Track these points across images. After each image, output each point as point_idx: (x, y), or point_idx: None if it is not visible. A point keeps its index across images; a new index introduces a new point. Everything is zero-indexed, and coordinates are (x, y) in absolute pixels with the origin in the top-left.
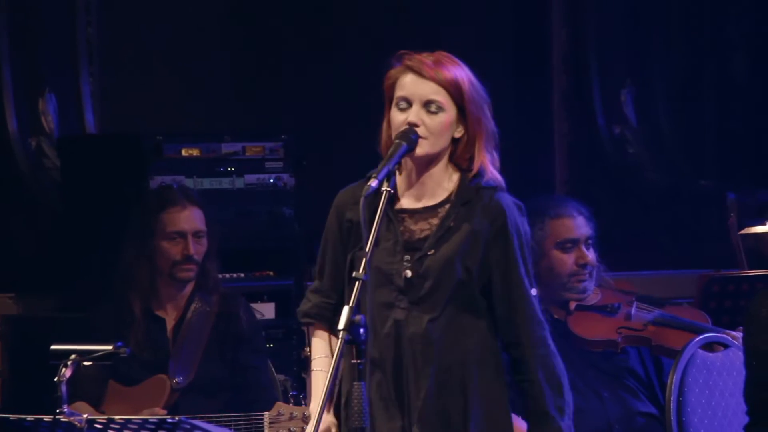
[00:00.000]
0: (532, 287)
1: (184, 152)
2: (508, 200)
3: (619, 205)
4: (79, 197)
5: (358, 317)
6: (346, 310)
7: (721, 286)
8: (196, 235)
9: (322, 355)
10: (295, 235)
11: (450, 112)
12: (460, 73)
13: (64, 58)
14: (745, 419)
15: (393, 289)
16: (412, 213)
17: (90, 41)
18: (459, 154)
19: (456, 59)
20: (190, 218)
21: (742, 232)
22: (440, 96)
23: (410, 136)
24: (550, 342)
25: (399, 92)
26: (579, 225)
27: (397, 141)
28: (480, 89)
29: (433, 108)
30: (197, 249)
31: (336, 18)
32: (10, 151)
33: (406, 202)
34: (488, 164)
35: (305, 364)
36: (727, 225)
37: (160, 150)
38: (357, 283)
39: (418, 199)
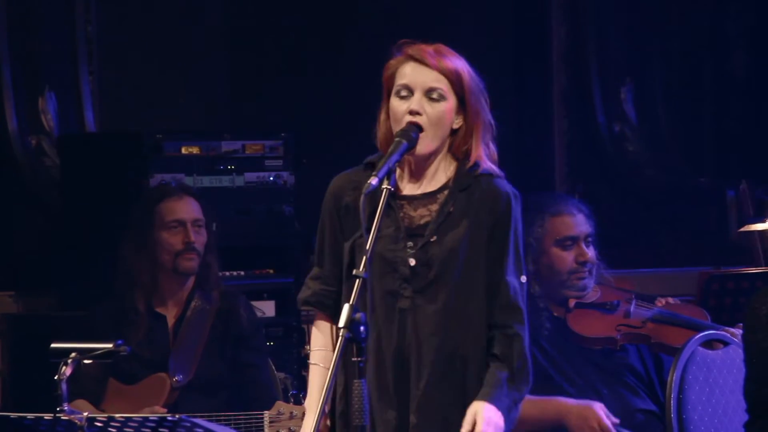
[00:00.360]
0: (521, 275)
1: (184, 150)
2: (506, 187)
3: (618, 202)
4: (80, 195)
5: (358, 315)
6: (346, 308)
7: (720, 283)
8: (195, 223)
9: (320, 347)
10: (295, 233)
11: (450, 101)
12: (460, 63)
13: (63, 56)
14: (746, 417)
15: (397, 278)
16: (411, 199)
17: (90, 39)
18: (456, 146)
19: (455, 52)
20: (187, 207)
21: (743, 229)
22: (442, 84)
23: (411, 134)
24: (524, 329)
25: (400, 80)
26: (579, 222)
27: (397, 139)
28: (478, 82)
29: (434, 95)
30: (197, 238)
31: (336, 16)
32: (10, 149)
33: (404, 189)
34: (484, 156)
35: (305, 362)
36: (739, 193)
37: (160, 148)
38: (357, 280)
39: (417, 186)
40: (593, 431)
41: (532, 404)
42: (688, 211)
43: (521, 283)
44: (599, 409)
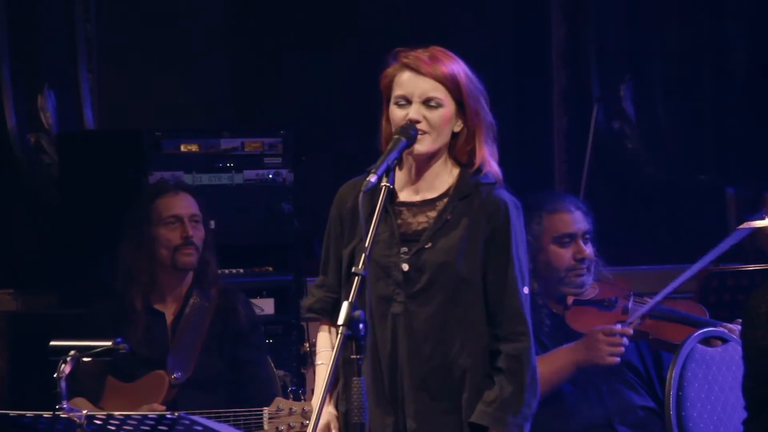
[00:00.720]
0: (524, 285)
1: (182, 148)
2: (506, 197)
3: (617, 199)
4: (78, 193)
5: (357, 313)
6: (345, 305)
7: (720, 280)
8: (192, 218)
9: (326, 348)
10: (294, 231)
11: (449, 107)
12: (456, 67)
13: (62, 54)
14: (745, 414)
15: (390, 283)
16: (410, 206)
17: (89, 37)
18: (459, 148)
19: (450, 53)
20: (184, 202)
21: (742, 226)
22: (439, 92)
23: (409, 131)
24: (529, 341)
25: (397, 91)
26: (576, 219)
27: (396, 137)
28: (476, 81)
29: (432, 103)
30: (195, 233)
31: (335, 15)
32: (9, 147)
33: (404, 195)
34: (488, 157)
35: (304, 359)
36: None
37: (159, 146)
38: (356, 278)
39: (416, 192)
40: (605, 342)
41: (542, 361)
42: (688, 209)
43: (525, 294)
44: (597, 328)
